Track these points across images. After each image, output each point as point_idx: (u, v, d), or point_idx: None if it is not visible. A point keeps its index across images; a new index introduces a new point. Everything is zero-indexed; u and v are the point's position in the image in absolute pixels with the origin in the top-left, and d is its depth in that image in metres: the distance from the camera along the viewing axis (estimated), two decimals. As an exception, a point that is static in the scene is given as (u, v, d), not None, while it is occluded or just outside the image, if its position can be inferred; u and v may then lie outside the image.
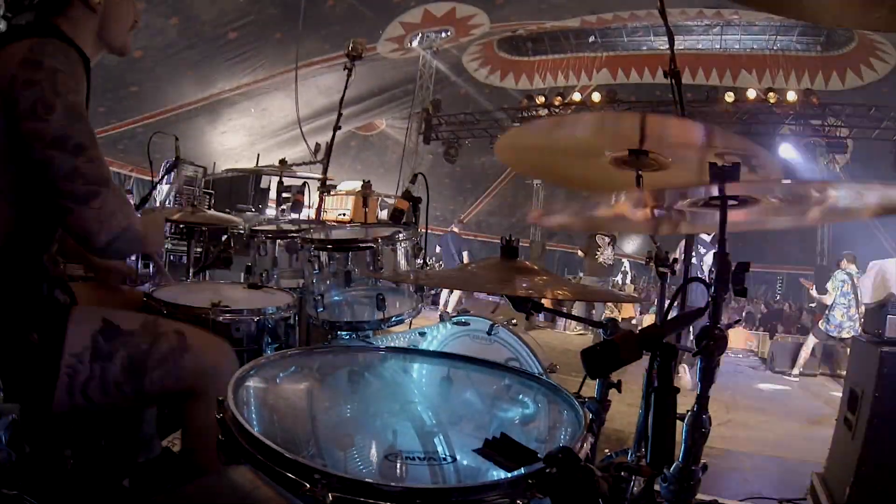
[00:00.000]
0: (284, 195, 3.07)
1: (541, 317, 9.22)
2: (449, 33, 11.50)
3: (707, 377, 0.98)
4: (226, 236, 3.55)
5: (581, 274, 9.83)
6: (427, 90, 12.69)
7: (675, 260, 1.75)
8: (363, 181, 2.70)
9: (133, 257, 4.17)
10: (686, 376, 5.39)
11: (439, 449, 1.01)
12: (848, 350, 4.86)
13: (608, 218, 1.29)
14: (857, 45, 10.64)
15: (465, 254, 9.22)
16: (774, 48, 11.44)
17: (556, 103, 11.47)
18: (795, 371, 6.91)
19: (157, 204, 4.46)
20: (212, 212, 3.67)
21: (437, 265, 9.44)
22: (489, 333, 1.99)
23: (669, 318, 1.09)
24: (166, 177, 4.48)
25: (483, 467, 0.89)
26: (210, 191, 7.02)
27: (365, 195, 2.75)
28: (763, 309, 13.21)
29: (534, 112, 11.73)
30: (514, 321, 2.08)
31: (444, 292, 9.13)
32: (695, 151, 1.40)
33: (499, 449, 0.88)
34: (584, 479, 0.76)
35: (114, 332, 1.31)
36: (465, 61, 13.04)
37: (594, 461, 1.08)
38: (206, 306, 1.78)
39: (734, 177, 0.94)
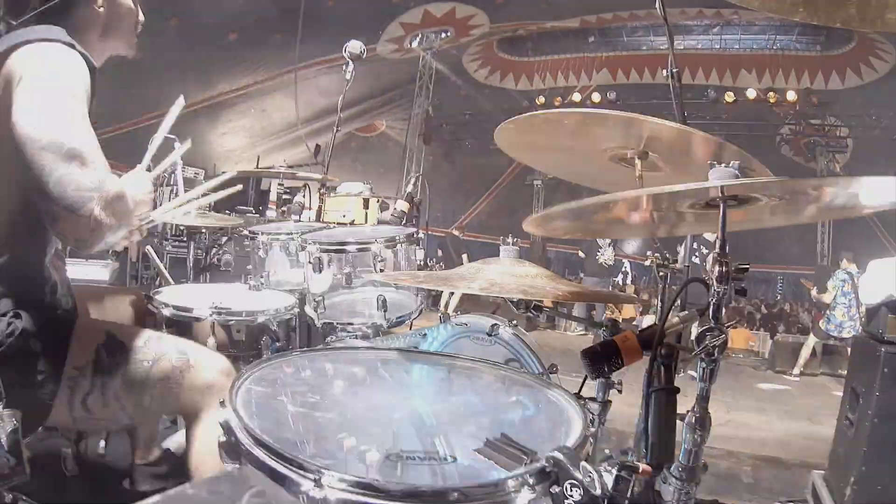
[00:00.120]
0: (285, 197, 3.08)
1: (542, 317, 9.21)
2: (449, 34, 11.51)
3: (707, 377, 0.98)
4: (226, 238, 3.56)
5: (581, 274, 9.83)
6: (427, 91, 12.70)
7: (675, 260, 1.75)
8: (364, 183, 2.70)
9: (133, 258, 4.18)
10: None
11: (440, 449, 1.01)
12: (848, 350, 4.86)
13: (606, 222, 1.29)
14: (856, 45, 10.65)
15: (464, 255, 9.22)
16: (774, 48, 11.45)
17: (556, 104, 11.48)
18: (796, 371, 6.90)
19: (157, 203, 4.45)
20: (212, 213, 3.67)
21: (437, 266, 9.44)
22: (490, 334, 1.99)
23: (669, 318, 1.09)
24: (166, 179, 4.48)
25: (483, 467, 0.89)
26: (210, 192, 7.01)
27: (366, 197, 2.76)
28: (763, 309, 13.20)
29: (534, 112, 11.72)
30: (514, 322, 2.08)
31: (445, 293, 9.14)
32: (696, 159, 1.40)
33: (499, 449, 0.89)
34: (584, 478, 0.76)
35: (117, 346, 1.32)
36: (465, 62, 13.05)
37: (594, 461, 1.08)
38: (206, 308, 1.78)
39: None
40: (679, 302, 1.28)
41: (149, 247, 2.68)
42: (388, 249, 1.93)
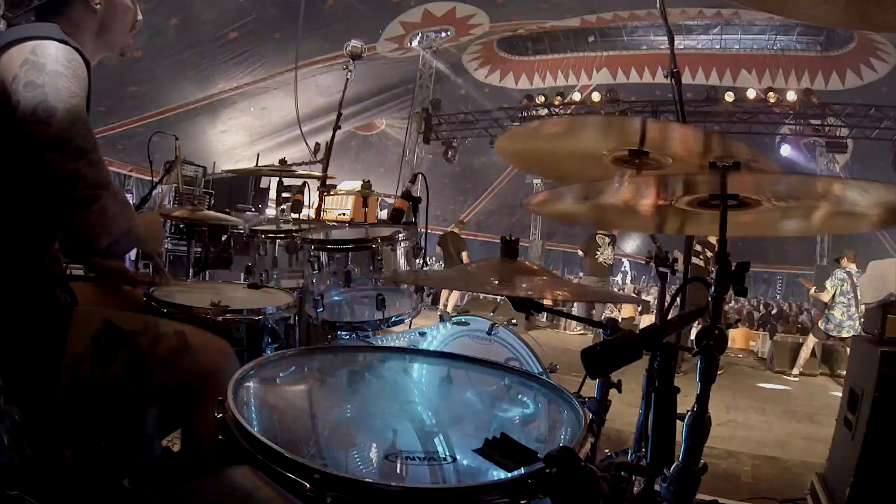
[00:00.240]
0: (284, 195, 3.07)
1: (542, 317, 9.21)
2: (449, 33, 11.51)
3: (707, 377, 0.98)
4: (226, 236, 3.56)
5: (581, 274, 9.83)
6: (427, 90, 12.70)
7: (676, 259, 1.75)
8: (363, 181, 2.70)
9: (133, 257, 4.18)
10: None
11: (439, 449, 1.01)
12: (848, 350, 4.86)
13: (612, 208, 1.26)
14: (856, 45, 10.65)
15: (464, 254, 9.21)
16: (774, 48, 11.45)
17: (556, 103, 11.48)
18: (795, 371, 6.90)
19: (157, 204, 4.46)
20: (212, 212, 3.67)
21: (437, 265, 9.44)
22: (489, 333, 1.99)
23: (669, 317, 1.09)
24: (166, 177, 4.48)
25: (483, 467, 0.89)
26: (210, 191, 7.02)
27: (365, 195, 2.75)
28: (762, 309, 13.22)
29: (534, 112, 11.74)
30: (514, 321, 2.08)
31: (444, 292, 9.14)
32: (695, 156, 1.40)
33: (499, 449, 0.88)
34: (584, 479, 0.76)
35: (115, 333, 1.31)
36: (465, 61, 13.05)
37: (594, 461, 1.08)
38: (205, 306, 1.78)
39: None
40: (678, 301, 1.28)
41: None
42: (387, 248, 1.93)
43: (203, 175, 7.07)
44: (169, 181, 4.28)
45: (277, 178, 2.96)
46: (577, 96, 11.49)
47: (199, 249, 3.53)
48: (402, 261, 1.98)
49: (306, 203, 3.50)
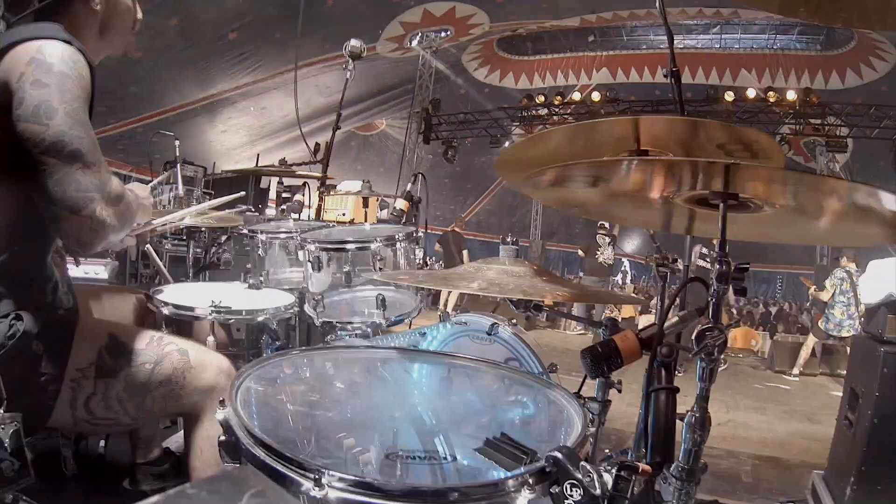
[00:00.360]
0: (284, 195, 3.07)
1: (541, 316, 9.20)
2: (448, 33, 11.50)
3: (707, 377, 0.98)
4: (226, 237, 3.55)
5: (581, 274, 9.83)
6: (427, 90, 12.69)
7: (676, 260, 1.75)
8: (363, 181, 2.70)
9: (133, 258, 4.18)
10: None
11: (439, 448, 1.01)
12: (848, 349, 4.86)
13: (621, 196, 1.25)
14: (856, 44, 10.65)
15: (464, 252, 9.21)
16: (774, 47, 11.45)
17: (556, 103, 11.47)
18: (795, 371, 6.90)
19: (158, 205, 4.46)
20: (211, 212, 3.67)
21: (437, 265, 9.44)
22: (489, 333, 1.99)
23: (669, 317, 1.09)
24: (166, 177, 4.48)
25: (483, 467, 0.90)
26: (210, 191, 7.02)
27: (365, 196, 2.75)
28: (762, 309, 13.22)
29: (534, 112, 11.74)
30: (514, 321, 2.08)
31: (444, 292, 9.13)
32: (695, 147, 1.40)
33: (499, 448, 0.89)
34: (584, 478, 0.76)
35: (120, 348, 1.31)
36: (465, 61, 13.04)
37: (594, 461, 1.08)
38: (205, 307, 1.78)
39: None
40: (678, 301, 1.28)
41: (148, 245, 2.68)
42: (387, 248, 1.93)
43: (203, 175, 7.07)
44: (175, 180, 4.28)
45: (277, 179, 2.95)
46: (576, 96, 11.49)
47: (199, 250, 3.53)
48: (402, 261, 1.98)
49: (306, 203, 3.50)
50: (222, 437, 0.87)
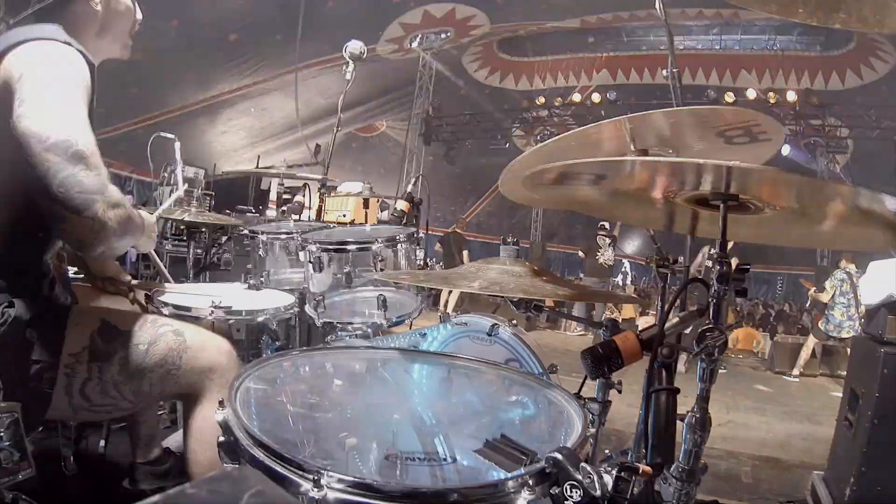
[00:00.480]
0: (285, 197, 3.07)
1: (542, 317, 9.20)
2: (449, 34, 11.52)
3: (707, 378, 0.98)
4: (226, 237, 3.55)
5: (581, 275, 9.83)
6: (427, 91, 12.71)
7: (676, 261, 1.75)
8: (363, 182, 2.70)
9: (133, 258, 4.18)
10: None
11: (439, 449, 1.01)
12: (848, 350, 4.85)
13: (625, 194, 1.24)
14: (856, 45, 10.65)
15: (465, 253, 9.21)
16: (774, 48, 11.45)
17: (557, 104, 11.48)
18: (795, 371, 6.90)
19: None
20: (212, 213, 3.67)
21: (437, 266, 9.44)
22: (489, 334, 1.99)
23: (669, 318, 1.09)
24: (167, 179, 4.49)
25: (483, 467, 0.90)
26: (210, 192, 7.02)
27: (366, 197, 2.75)
28: (762, 309, 13.22)
29: (534, 113, 11.74)
30: (514, 322, 2.08)
31: (444, 292, 9.14)
32: (694, 139, 1.40)
33: (499, 449, 0.89)
34: (584, 479, 0.76)
35: (112, 332, 1.31)
36: (465, 62, 13.05)
37: (594, 462, 1.08)
38: (206, 307, 1.78)
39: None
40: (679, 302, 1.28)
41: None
42: (388, 249, 1.93)
43: (203, 177, 7.07)
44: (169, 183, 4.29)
45: (278, 180, 2.96)
46: (577, 97, 11.50)
47: (200, 251, 3.53)
48: (402, 261, 1.98)
49: (307, 204, 3.50)
50: (221, 438, 0.87)
